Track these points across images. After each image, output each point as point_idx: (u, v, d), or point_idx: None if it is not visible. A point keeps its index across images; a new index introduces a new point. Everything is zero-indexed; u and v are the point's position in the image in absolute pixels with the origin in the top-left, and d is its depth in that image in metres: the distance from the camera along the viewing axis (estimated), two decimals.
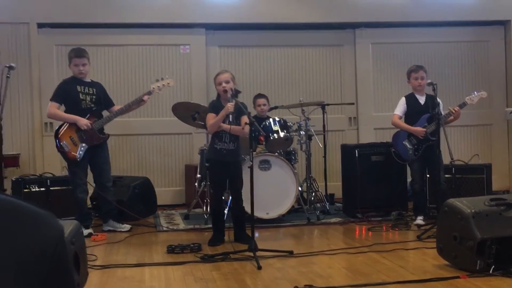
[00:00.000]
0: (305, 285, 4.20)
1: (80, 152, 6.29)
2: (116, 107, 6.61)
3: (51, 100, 6.45)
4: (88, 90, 6.45)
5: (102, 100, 6.55)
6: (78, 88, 6.39)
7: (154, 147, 8.40)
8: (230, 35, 8.60)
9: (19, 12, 7.92)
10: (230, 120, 5.68)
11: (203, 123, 7.07)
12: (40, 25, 8.03)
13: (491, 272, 4.30)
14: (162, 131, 8.37)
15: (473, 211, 4.40)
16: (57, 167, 7.82)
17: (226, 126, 5.68)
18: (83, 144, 6.31)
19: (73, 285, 1.32)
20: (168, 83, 6.60)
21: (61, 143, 6.31)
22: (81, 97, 6.38)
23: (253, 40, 8.65)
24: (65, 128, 6.35)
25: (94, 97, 6.46)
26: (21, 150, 7.86)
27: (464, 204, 4.50)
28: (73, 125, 6.32)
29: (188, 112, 7.07)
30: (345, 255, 5.23)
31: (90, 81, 6.54)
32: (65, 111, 6.41)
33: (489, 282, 4.17)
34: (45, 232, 1.20)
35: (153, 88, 6.54)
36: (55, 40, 8.12)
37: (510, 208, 4.50)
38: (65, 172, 7.43)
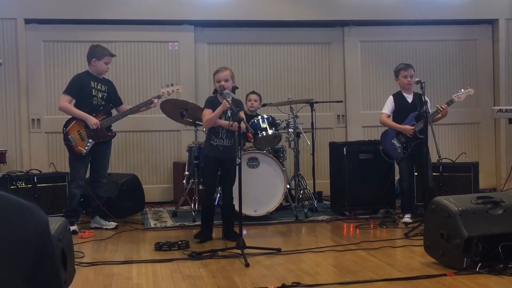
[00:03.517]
0: (293, 283, 4.20)
1: (86, 148, 6.35)
2: (125, 107, 6.66)
3: (64, 92, 6.46)
4: (101, 87, 6.49)
5: (112, 98, 6.58)
6: (92, 83, 6.43)
7: (142, 144, 8.38)
8: (219, 32, 8.59)
9: (6, 7, 7.87)
10: (229, 115, 5.68)
11: (191, 120, 7.08)
12: (28, 21, 7.98)
13: (477, 269, 4.32)
14: (150, 128, 8.35)
15: (460, 209, 4.42)
16: (44, 163, 7.79)
17: (224, 122, 5.67)
18: (90, 140, 6.34)
19: (59, 276, 1.31)
20: (178, 89, 6.69)
21: (69, 136, 6.33)
22: (93, 93, 6.42)
23: (242, 37, 8.64)
24: (74, 122, 6.37)
25: (105, 94, 6.51)
26: (8, 146, 7.81)
27: (451, 202, 4.52)
28: (82, 120, 6.35)
29: (176, 109, 7.07)
30: (333, 252, 5.24)
31: (102, 78, 6.55)
32: (75, 105, 6.41)
33: (475, 279, 4.20)
34: (30, 223, 1.19)
35: (163, 92, 6.62)
36: (42, 36, 8.08)
37: (497, 206, 4.53)
38: (52, 169, 7.41)
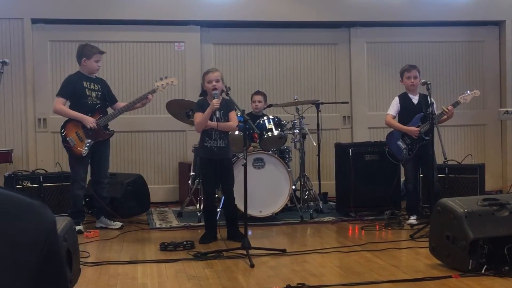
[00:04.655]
0: (298, 284, 4.20)
1: (86, 148, 6.33)
2: (120, 104, 6.64)
3: (57, 95, 6.45)
4: (94, 86, 6.48)
5: (107, 97, 6.57)
6: (85, 84, 6.41)
7: (147, 144, 8.39)
8: (225, 32, 8.59)
9: (13, 7, 7.90)
10: (218, 116, 5.67)
11: None
12: (34, 21, 8.00)
13: (483, 271, 4.31)
14: (156, 128, 8.36)
15: (466, 211, 4.41)
16: (50, 163, 7.81)
17: (213, 123, 5.67)
18: (89, 140, 6.34)
19: (65, 276, 1.31)
20: (172, 82, 6.65)
21: (67, 138, 6.33)
22: (87, 93, 6.41)
23: (248, 38, 8.64)
24: (70, 124, 6.37)
25: (99, 93, 6.49)
26: (14, 146, 7.83)
27: (457, 204, 4.51)
28: (79, 121, 6.34)
29: (182, 110, 7.07)
30: (338, 253, 5.23)
31: (95, 77, 6.55)
32: (70, 106, 6.41)
33: (481, 281, 4.18)
34: (37, 222, 1.19)
35: (157, 86, 6.58)
36: (49, 36, 8.10)
37: (503, 208, 4.52)
38: (58, 168, 7.42)
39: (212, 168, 5.83)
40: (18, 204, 1.20)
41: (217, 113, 5.67)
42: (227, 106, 5.72)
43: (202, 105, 5.78)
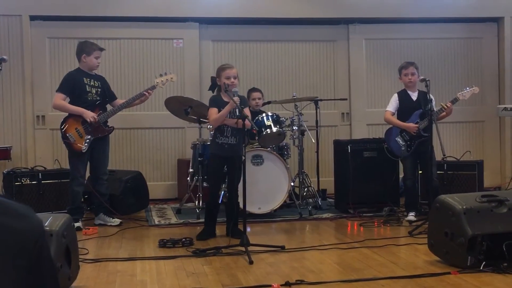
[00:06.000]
0: (297, 280, 4.20)
1: (86, 144, 6.33)
2: (119, 101, 6.64)
3: (57, 91, 6.45)
4: (94, 82, 6.48)
5: (107, 93, 6.58)
6: (85, 80, 6.42)
7: (146, 141, 8.39)
8: (223, 29, 8.59)
9: (11, 4, 7.89)
10: (237, 114, 5.63)
11: (195, 117, 7.08)
12: (33, 18, 8.00)
13: (481, 268, 4.31)
14: (155, 125, 8.36)
15: (464, 207, 4.41)
16: (48, 160, 7.81)
17: (232, 121, 5.65)
18: (88, 136, 6.34)
19: (56, 276, 1.31)
20: (172, 78, 6.64)
21: (67, 135, 6.32)
22: (87, 89, 6.41)
23: (247, 34, 8.63)
24: (70, 120, 6.36)
25: (99, 89, 6.50)
26: (13, 143, 7.83)
27: (455, 200, 4.51)
28: (79, 117, 6.35)
29: (181, 106, 7.07)
30: (337, 250, 5.23)
31: (94, 74, 6.55)
32: (70, 102, 6.40)
33: (479, 278, 4.19)
34: (26, 227, 1.19)
35: (157, 82, 6.57)
36: (47, 32, 8.09)
37: (501, 204, 4.52)
38: (57, 165, 7.43)
39: (221, 165, 5.83)
40: (7, 209, 1.20)
41: (236, 111, 5.63)
42: (241, 103, 5.67)
43: (216, 101, 5.75)
